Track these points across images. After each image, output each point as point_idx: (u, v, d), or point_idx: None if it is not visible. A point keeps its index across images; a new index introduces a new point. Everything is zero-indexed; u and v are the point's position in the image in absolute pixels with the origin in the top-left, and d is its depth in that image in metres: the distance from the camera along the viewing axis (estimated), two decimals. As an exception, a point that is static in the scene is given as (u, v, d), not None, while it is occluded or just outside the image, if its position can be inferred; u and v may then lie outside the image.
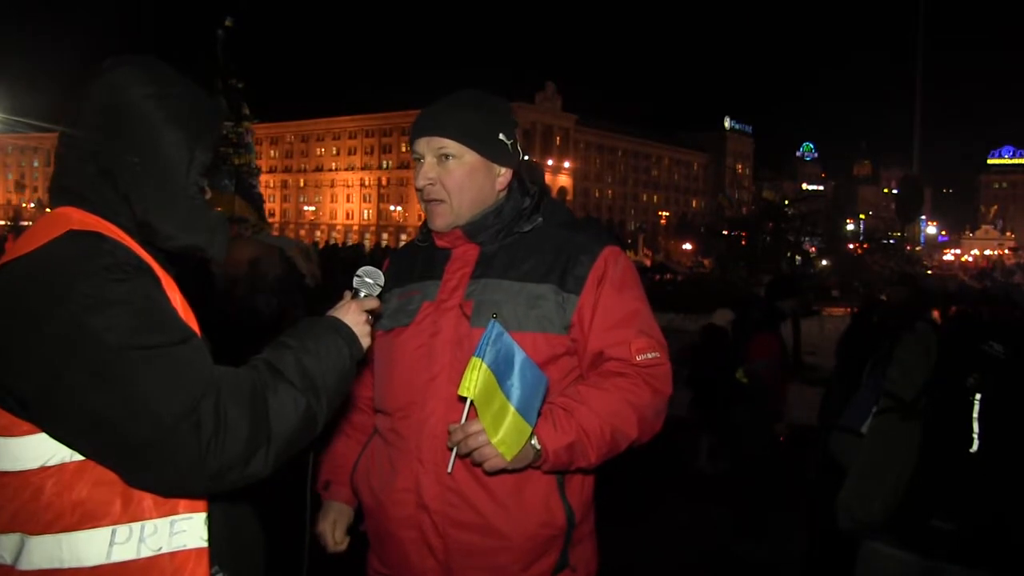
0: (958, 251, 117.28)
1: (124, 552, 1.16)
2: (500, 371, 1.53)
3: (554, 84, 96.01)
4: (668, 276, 27.92)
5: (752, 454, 5.09)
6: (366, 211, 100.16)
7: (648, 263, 44.36)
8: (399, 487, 1.70)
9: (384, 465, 1.76)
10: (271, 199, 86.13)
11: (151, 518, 1.18)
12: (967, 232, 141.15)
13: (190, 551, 1.20)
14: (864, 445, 2.37)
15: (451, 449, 1.57)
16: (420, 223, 1.92)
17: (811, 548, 4.13)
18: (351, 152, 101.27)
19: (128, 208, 1.27)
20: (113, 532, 1.16)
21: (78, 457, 1.14)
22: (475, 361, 1.52)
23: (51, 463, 1.14)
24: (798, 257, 14.04)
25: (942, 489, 2.18)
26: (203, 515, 1.23)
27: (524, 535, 1.66)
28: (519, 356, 1.56)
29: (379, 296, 1.51)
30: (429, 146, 1.75)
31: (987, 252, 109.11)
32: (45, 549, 1.14)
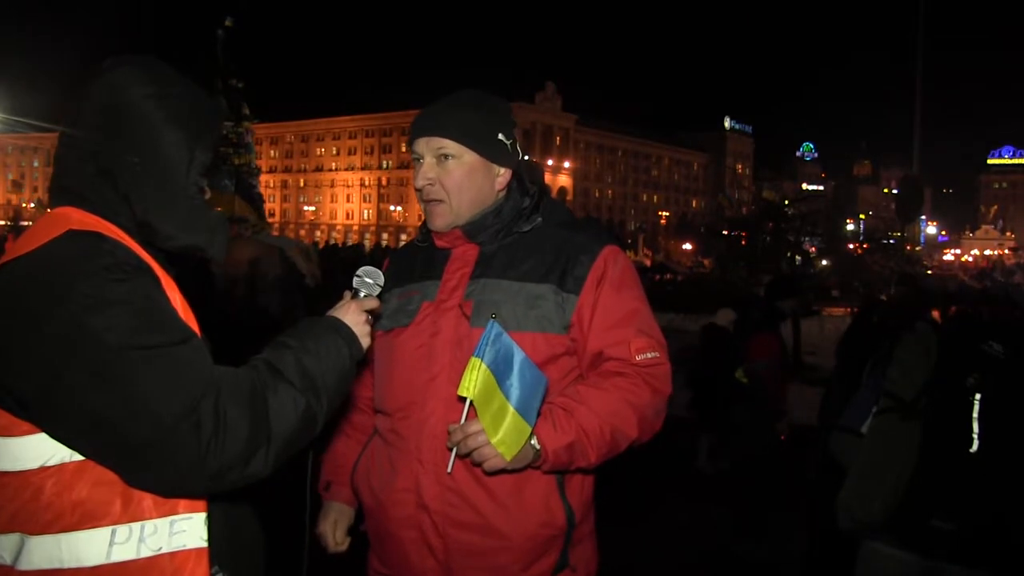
0: (958, 251, 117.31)
1: (124, 552, 1.16)
2: (499, 371, 1.53)
3: (554, 84, 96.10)
4: (668, 276, 27.90)
5: (752, 454, 5.09)
6: (366, 211, 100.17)
7: (648, 263, 44.36)
8: (399, 487, 1.70)
9: (384, 465, 1.76)
10: (271, 199, 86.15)
11: (151, 518, 1.18)
12: (967, 232, 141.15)
13: (190, 551, 1.20)
14: (864, 445, 2.37)
15: (451, 449, 1.57)
16: (420, 223, 1.92)
17: (811, 548, 4.13)
18: (351, 152, 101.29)
19: (128, 208, 1.27)
20: (113, 532, 1.16)
21: (78, 457, 1.14)
22: (474, 361, 1.52)
23: (51, 463, 1.14)
24: (798, 257, 14.04)
25: (942, 489, 2.18)
26: (203, 515, 1.23)
27: (524, 535, 1.66)
28: (518, 356, 1.56)
29: (379, 296, 1.51)
30: (428, 146, 1.75)
31: (987, 252, 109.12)
32: (45, 549, 1.14)
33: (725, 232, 16.41)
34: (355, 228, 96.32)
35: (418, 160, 1.78)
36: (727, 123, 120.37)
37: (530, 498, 1.67)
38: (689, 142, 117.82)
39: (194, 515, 1.22)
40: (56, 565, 1.14)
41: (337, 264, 18.15)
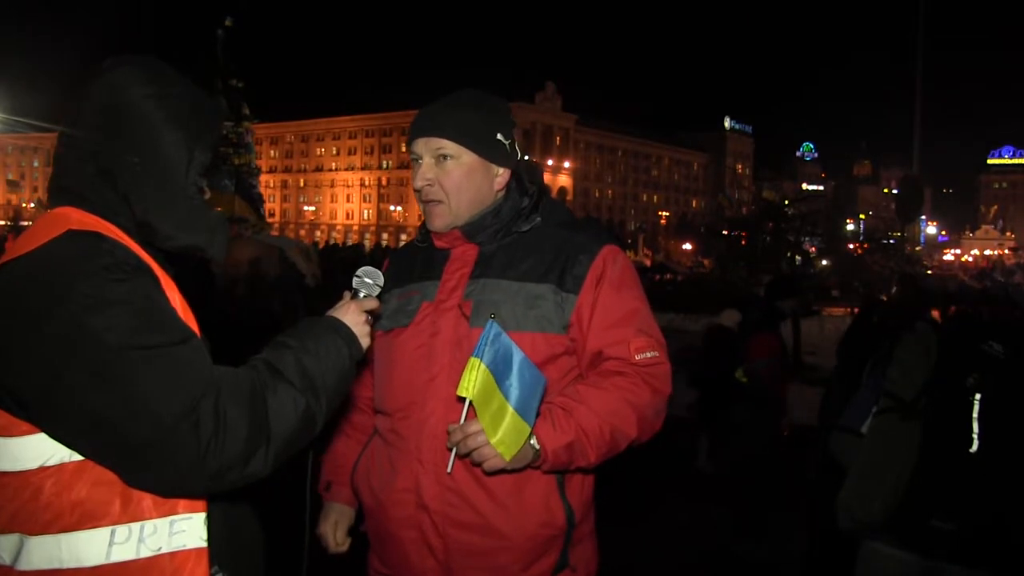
0: (958, 251, 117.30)
1: (123, 552, 1.16)
2: (498, 371, 1.53)
3: (554, 84, 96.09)
4: (668, 276, 27.90)
5: (752, 454, 5.09)
6: (366, 211, 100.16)
7: (648, 263, 44.37)
8: (399, 487, 1.70)
9: (384, 465, 1.76)
10: (271, 199, 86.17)
11: (150, 518, 1.18)
12: (967, 232, 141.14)
13: (189, 551, 1.20)
14: (864, 445, 2.37)
15: (450, 449, 1.57)
16: (420, 223, 1.92)
17: (811, 548, 4.13)
18: (351, 152, 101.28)
19: (128, 208, 1.27)
20: (112, 532, 1.16)
21: (77, 457, 1.14)
22: (473, 361, 1.52)
23: (50, 463, 1.14)
24: (798, 257, 14.03)
25: (942, 489, 2.17)
26: (202, 515, 1.23)
27: (524, 535, 1.66)
28: (517, 356, 1.56)
29: (378, 296, 1.51)
30: (427, 147, 1.75)
31: (987, 252, 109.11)
32: (44, 549, 1.14)
33: (725, 232, 16.40)
34: (355, 228, 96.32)
35: (417, 160, 1.78)
36: (727, 123, 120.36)
37: (530, 498, 1.67)
38: (689, 142, 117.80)
39: (194, 515, 1.22)
40: (56, 565, 1.14)
41: (337, 264, 18.15)
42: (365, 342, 1.41)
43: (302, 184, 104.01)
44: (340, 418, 1.95)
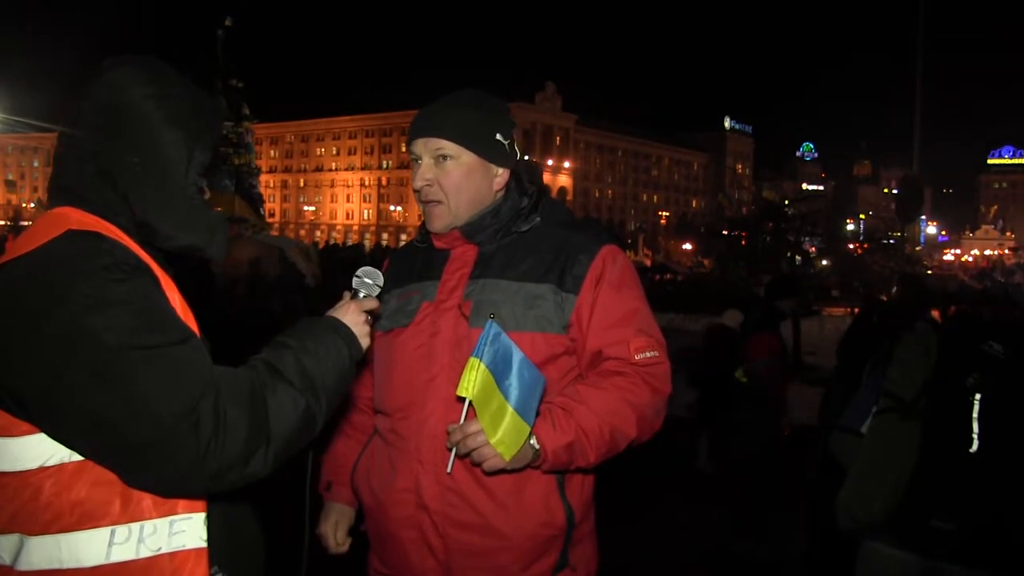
0: (958, 251, 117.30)
1: (123, 552, 1.16)
2: (498, 371, 1.53)
3: (554, 84, 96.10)
4: (668, 276, 27.89)
5: (752, 454, 5.09)
6: (366, 211, 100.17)
7: (648, 263, 44.38)
8: (399, 487, 1.70)
9: (384, 465, 1.76)
10: (271, 199, 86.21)
11: (150, 518, 1.18)
12: (967, 232, 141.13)
13: (189, 551, 1.20)
14: (864, 445, 2.36)
15: (450, 449, 1.57)
16: (420, 223, 1.92)
17: (811, 548, 4.13)
18: (351, 152, 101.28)
19: (127, 208, 1.27)
20: (112, 532, 1.16)
21: (77, 457, 1.14)
22: (473, 361, 1.52)
23: (50, 463, 1.14)
24: (798, 257, 14.02)
25: (942, 489, 2.17)
26: (202, 515, 1.23)
27: (524, 535, 1.66)
28: (517, 356, 1.56)
29: (378, 297, 1.51)
30: (426, 147, 1.75)
31: (987, 252, 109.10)
32: (44, 549, 1.14)
33: (725, 232, 16.38)
34: (355, 228, 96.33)
35: (416, 161, 1.78)
36: (727, 123, 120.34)
37: (530, 498, 1.67)
38: (689, 142, 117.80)
39: (193, 515, 1.22)
40: (55, 565, 1.14)
41: (337, 264, 18.15)
42: (365, 342, 1.41)
43: (302, 184, 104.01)
44: (340, 418, 1.95)
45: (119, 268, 1.14)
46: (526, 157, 1.87)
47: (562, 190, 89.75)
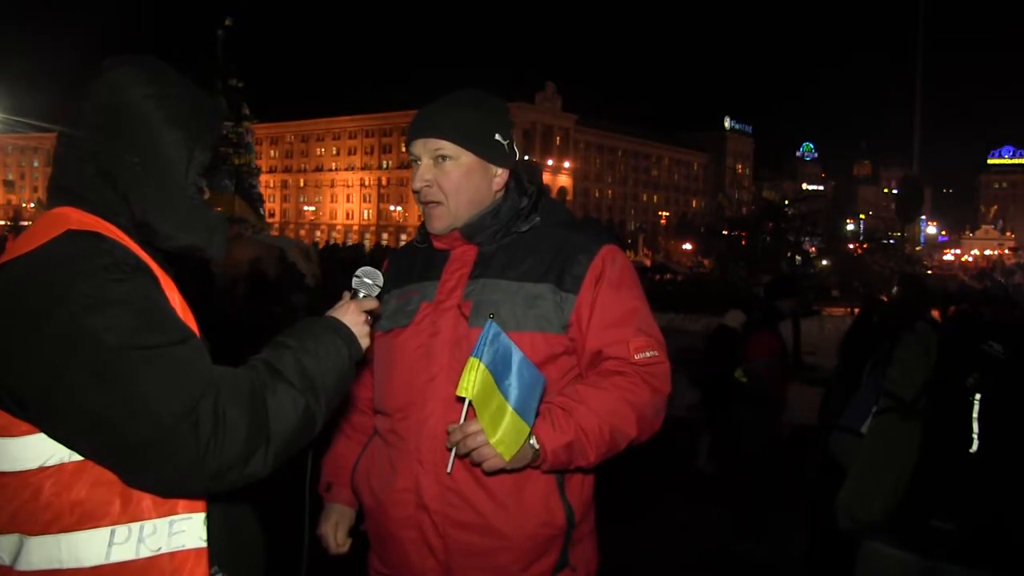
0: (958, 251, 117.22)
1: (123, 552, 1.16)
2: (498, 371, 1.53)
3: (554, 84, 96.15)
4: (668, 276, 27.89)
5: (752, 454, 5.09)
6: (366, 211, 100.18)
7: (648, 263, 44.40)
8: (399, 487, 1.70)
9: (384, 465, 1.76)
10: (271, 199, 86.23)
11: (150, 518, 1.18)
12: (967, 232, 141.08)
13: (189, 551, 1.20)
14: (864, 445, 2.36)
15: (450, 449, 1.57)
16: (420, 223, 1.92)
17: (811, 548, 4.13)
18: (351, 152, 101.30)
19: (127, 208, 1.27)
20: (112, 532, 1.16)
21: (77, 457, 1.14)
22: (473, 361, 1.52)
23: (50, 463, 1.14)
24: (798, 257, 14.02)
25: (942, 489, 2.17)
26: (202, 515, 1.23)
27: (524, 535, 1.66)
28: (516, 356, 1.56)
29: (378, 297, 1.51)
30: (425, 147, 1.75)
31: (987, 252, 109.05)
32: (44, 549, 1.14)
33: (725, 232, 16.37)
34: (355, 228, 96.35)
35: (416, 161, 1.78)
36: (727, 123, 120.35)
37: (530, 498, 1.67)
38: (689, 142, 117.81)
39: (193, 515, 1.22)
40: (55, 565, 1.14)
41: (337, 264, 18.15)
42: (364, 342, 1.41)
43: (302, 184, 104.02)
44: (340, 419, 1.95)
45: (119, 268, 1.14)
46: (526, 157, 1.87)
47: (562, 190, 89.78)
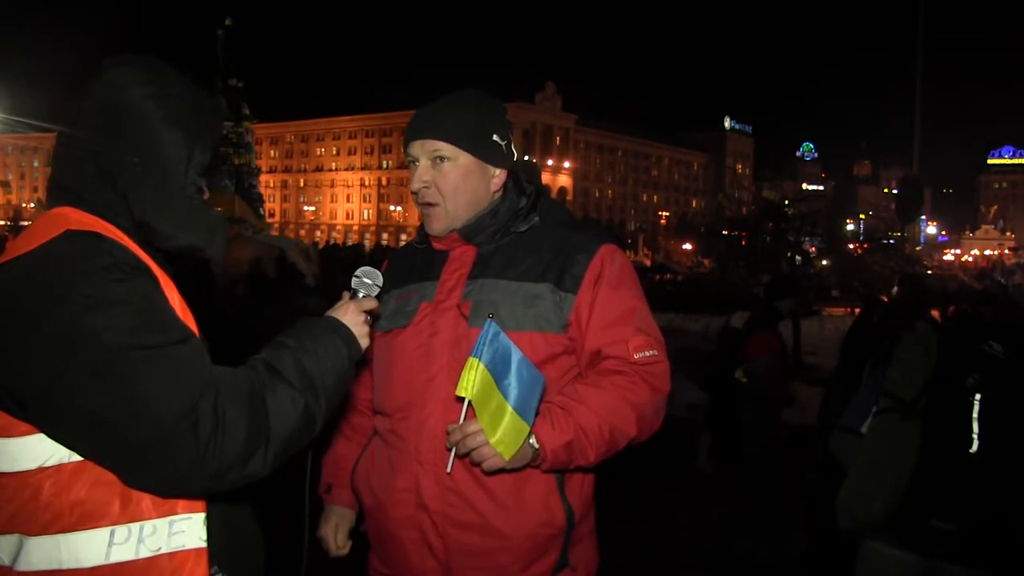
0: (958, 251, 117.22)
1: (123, 552, 1.16)
2: (497, 371, 1.53)
3: (554, 84, 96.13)
4: (668, 276, 27.89)
5: (752, 454, 5.09)
6: (366, 211, 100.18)
7: (648, 263, 44.41)
8: (399, 487, 1.70)
9: (384, 466, 1.76)
10: (271, 199, 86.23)
11: (150, 518, 1.18)
12: (967, 232, 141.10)
13: (189, 551, 1.20)
14: (864, 445, 2.36)
15: (450, 449, 1.57)
16: (420, 223, 1.92)
17: (811, 548, 4.13)
18: (351, 152, 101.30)
19: (127, 208, 1.27)
20: (112, 532, 1.16)
21: (76, 458, 1.14)
22: (472, 361, 1.52)
23: (49, 464, 1.14)
24: (798, 257, 14.01)
25: (942, 489, 2.17)
26: (202, 515, 1.23)
27: (524, 534, 1.66)
28: (516, 356, 1.56)
29: (377, 297, 1.51)
30: (423, 148, 1.75)
31: (987, 252, 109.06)
32: (44, 550, 1.14)
33: (725, 232, 16.36)
34: (355, 228, 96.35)
35: (414, 162, 1.78)
36: (727, 123, 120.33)
37: (530, 497, 1.67)
38: (689, 142, 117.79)
39: (193, 515, 1.22)
40: (55, 566, 1.14)
41: (337, 264, 18.14)
42: (364, 342, 1.41)
43: (302, 184, 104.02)
44: (340, 420, 1.95)
45: (118, 268, 1.14)
46: (525, 157, 1.87)
47: (562, 190, 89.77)
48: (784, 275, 10.43)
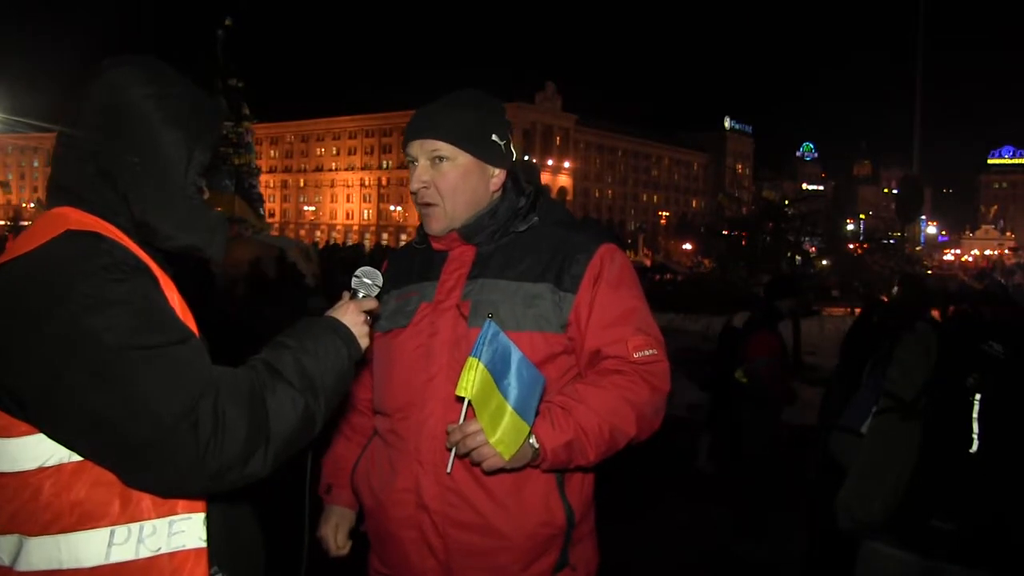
0: (958, 251, 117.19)
1: (123, 553, 1.16)
2: (497, 371, 1.53)
3: (554, 84, 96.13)
4: (668, 276, 27.91)
5: (752, 454, 5.09)
6: (366, 211, 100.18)
7: (648, 263, 44.42)
8: (399, 487, 1.70)
9: (384, 466, 1.76)
10: (271, 199, 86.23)
11: (150, 518, 1.18)
12: (967, 232, 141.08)
13: (189, 551, 1.20)
14: (864, 445, 2.36)
15: (450, 449, 1.57)
16: (419, 223, 1.92)
17: (811, 548, 4.13)
18: (351, 152, 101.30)
19: (127, 208, 1.27)
20: (112, 533, 1.16)
21: (76, 458, 1.14)
22: (472, 361, 1.52)
23: (49, 464, 1.14)
24: (798, 257, 14.01)
25: (942, 489, 2.17)
26: (202, 515, 1.23)
27: (524, 534, 1.66)
28: (515, 355, 1.56)
29: (377, 297, 1.51)
30: (422, 148, 1.75)
31: (987, 252, 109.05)
32: (44, 550, 1.14)
33: (725, 232, 16.36)
34: (355, 228, 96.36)
35: (412, 162, 1.78)
36: (727, 123, 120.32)
37: (530, 497, 1.67)
38: (689, 142, 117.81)
39: (193, 515, 1.22)
40: (55, 566, 1.14)
41: (337, 264, 18.14)
42: (364, 342, 1.41)
43: (302, 184, 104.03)
44: (340, 420, 1.95)
45: (118, 268, 1.14)
46: (526, 157, 1.87)
47: (562, 190, 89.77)
48: (784, 275, 10.43)
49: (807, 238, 14.74)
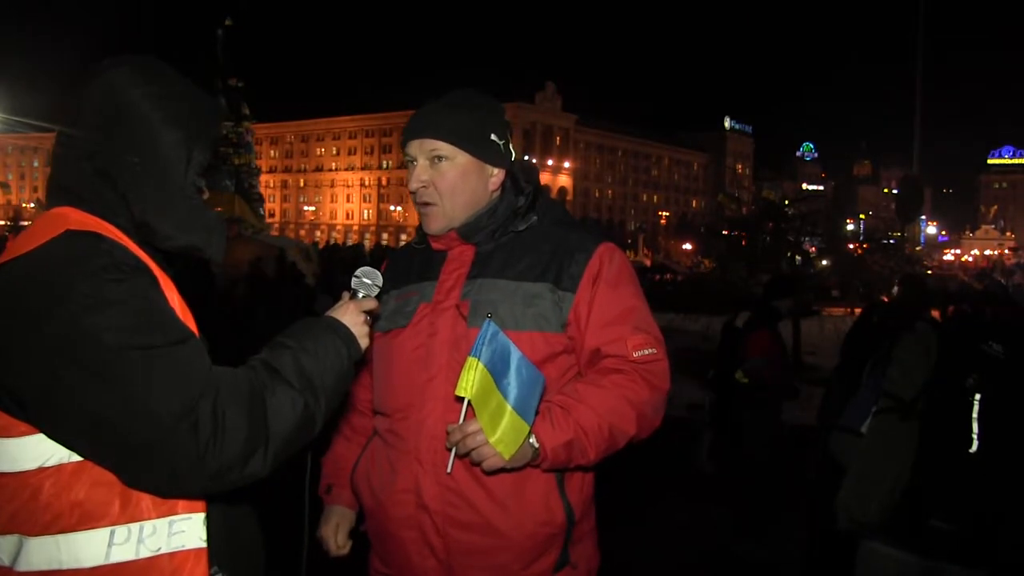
0: (958, 251, 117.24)
1: (123, 553, 1.16)
2: (496, 370, 1.53)
3: (554, 84, 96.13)
4: (668, 276, 27.93)
5: (752, 454, 5.09)
6: (366, 211, 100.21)
7: (648, 263, 44.42)
8: (399, 488, 1.70)
9: (384, 466, 1.76)
10: (271, 199, 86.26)
11: (150, 518, 1.18)
12: (967, 232, 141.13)
13: (189, 551, 1.20)
14: (864, 445, 2.37)
15: (450, 449, 1.57)
16: (419, 223, 1.92)
17: (811, 548, 4.13)
18: (351, 152, 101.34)
19: (126, 208, 1.27)
20: (112, 533, 1.16)
21: (76, 458, 1.14)
22: (471, 361, 1.52)
23: (49, 464, 1.14)
24: (798, 257, 14.02)
25: (942, 489, 2.17)
26: (202, 515, 1.23)
27: (524, 534, 1.66)
28: (515, 355, 1.56)
29: (377, 297, 1.51)
30: (421, 148, 1.75)
31: (987, 252, 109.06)
32: (44, 550, 1.14)
33: (725, 232, 16.37)
34: (355, 228, 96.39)
35: (411, 162, 1.78)
36: (727, 123, 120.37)
37: (530, 497, 1.67)
38: (689, 142, 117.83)
39: (193, 515, 1.22)
40: (55, 566, 1.14)
41: (337, 264, 18.13)
42: (364, 343, 1.41)
43: (302, 184, 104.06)
44: (340, 420, 1.95)
45: (118, 268, 1.14)
46: (525, 157, 1.87)
47: (562, 190, 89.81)
48: (783, 275, 10.43)
49: (807, 238, 14.75)
